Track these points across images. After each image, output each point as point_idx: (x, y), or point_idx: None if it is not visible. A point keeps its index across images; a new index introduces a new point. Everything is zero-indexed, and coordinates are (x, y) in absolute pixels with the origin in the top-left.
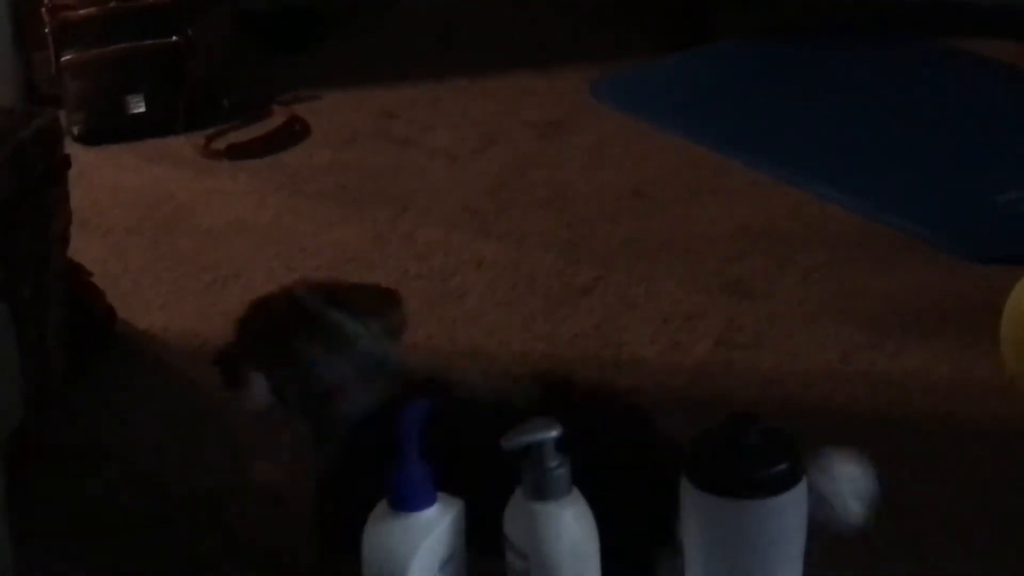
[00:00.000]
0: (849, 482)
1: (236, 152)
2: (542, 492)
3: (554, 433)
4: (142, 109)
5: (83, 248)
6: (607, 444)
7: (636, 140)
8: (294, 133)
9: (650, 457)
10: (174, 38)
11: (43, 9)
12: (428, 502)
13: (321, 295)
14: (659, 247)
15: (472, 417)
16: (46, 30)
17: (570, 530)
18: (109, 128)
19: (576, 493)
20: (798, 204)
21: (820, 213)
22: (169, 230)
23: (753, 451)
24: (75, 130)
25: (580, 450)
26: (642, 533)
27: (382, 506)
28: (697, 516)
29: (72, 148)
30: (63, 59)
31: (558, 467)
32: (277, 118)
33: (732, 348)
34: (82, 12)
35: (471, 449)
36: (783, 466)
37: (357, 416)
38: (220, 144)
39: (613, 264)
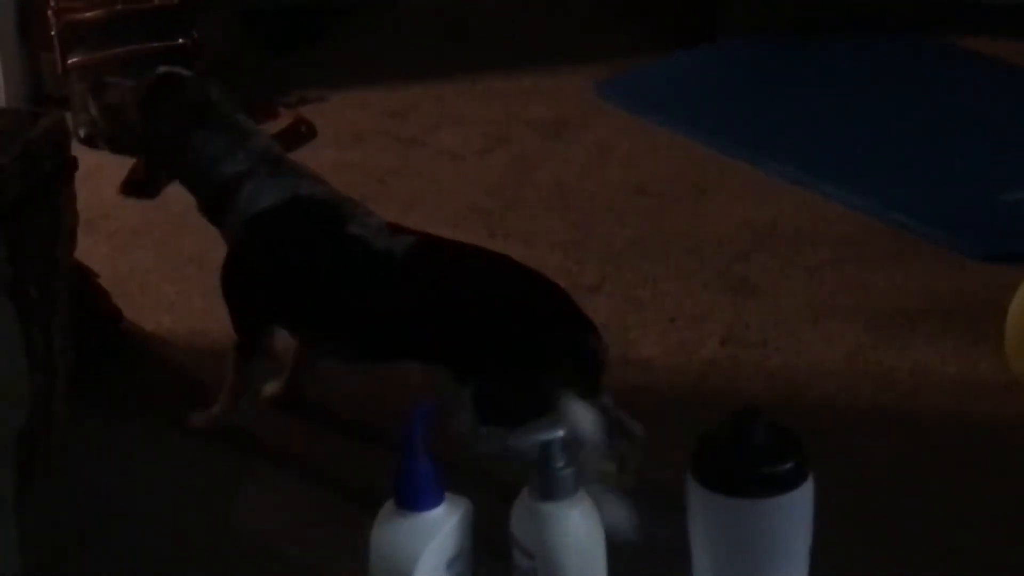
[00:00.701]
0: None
1: None
2: (549, 492)
3: (561, 433)
4: None
5: (89, 249)
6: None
7: (642, 139)
8: (300, 134)
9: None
10: (180, 40)
11: (49, 11)
12: (435, 502)
13: (212, 84)
14: (665, 246)
15: (361, 255)
16: (52, 32)
17: (577, 530)
18: None
19: (582, 493)
20: (803, 203)
21: (825, 211)
22: (175, 231)
23: (759, 449)
24: (81, 132)
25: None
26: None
27: (389, 505)
28: (703, 515)
29: (78, 150)
30: (69, 60)
31: (564, 467)
32: (283, 119)
33: (738, 347)
34: (88, 14)
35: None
36: (789, 464)
37: (254, 209)
38: None
39: (619, 263)
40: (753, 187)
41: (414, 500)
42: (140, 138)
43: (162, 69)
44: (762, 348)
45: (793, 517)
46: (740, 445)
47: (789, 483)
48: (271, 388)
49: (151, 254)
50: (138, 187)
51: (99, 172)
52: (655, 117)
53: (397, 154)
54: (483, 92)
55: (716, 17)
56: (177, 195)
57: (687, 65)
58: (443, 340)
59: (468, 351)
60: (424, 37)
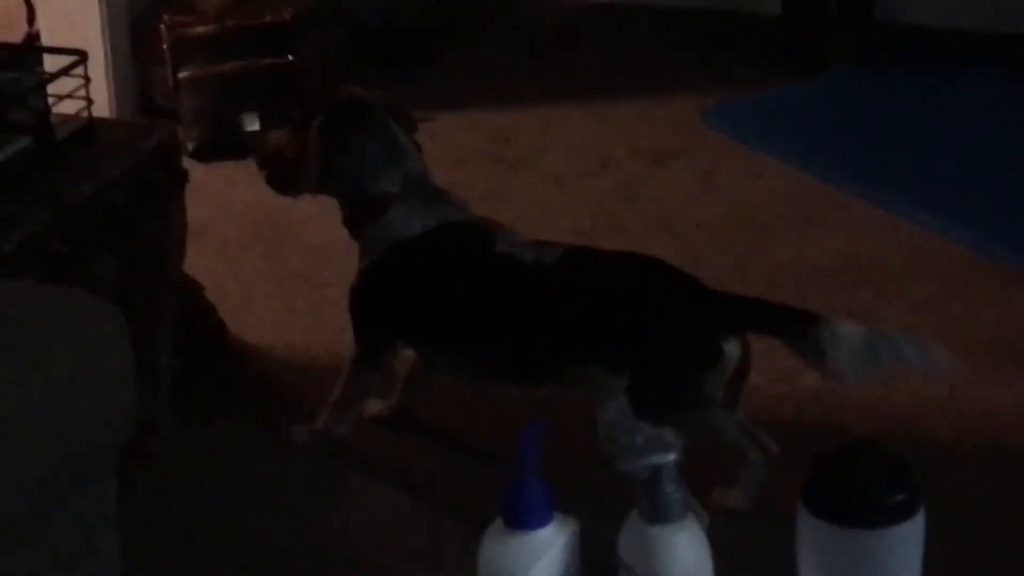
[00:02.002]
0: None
1: None
2: (659, 516)
3: (672, 457)
4: (256, 127)
5: (196, 262)
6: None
7: (748, 168)
8: None
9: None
10: (289, 57)
11: (162, 26)
12: (544, 521)
13: (384, 102)
14: (769, 275)
15: (512, 270)
16: (164, 46)
17: (685, 554)
18: (223, 144)
19: (691, 518)
20: (909, 235)
21: (931, 245)
22: (280, 246)
23: (872, 479)
24: (190, 145)
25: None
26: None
27: (498, 523)
28: (814, 544)
29: (186, 163)
30: (180, 75)
31: (675, 491)
32: None
33: None
34: (200, 29)
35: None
36: (902, 495)
37: (399, 235)
38: None
39: (722, 290)
40: (858, 218)
41: (524, 519)
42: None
43: (346, 89)
44: None
45: (904, 549)
46: (854, 475)
47: (901, 514)
48: (376, 407)
49: (256, 268)
50: (282, 181)
51: (206, 185)
52: (762, 146)
53: (501, 176)
54: (589, 117)
55: (826, 50)
56: (283, 211)
57: (796, 96)
58: (600, 337)
59: (624, 345)
60: (534, 59)
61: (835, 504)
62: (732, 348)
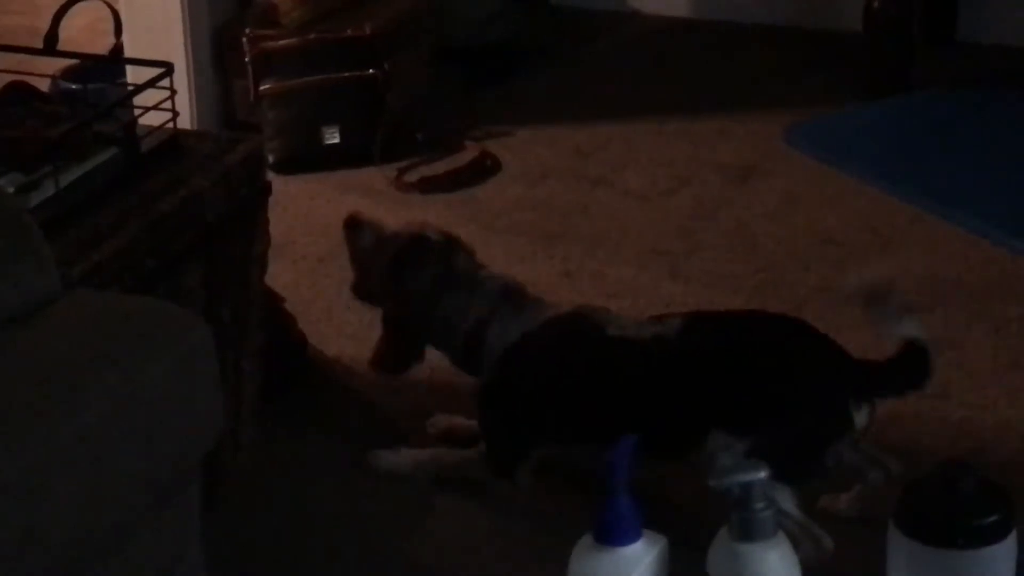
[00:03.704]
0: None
1: (428, 185)
2: (748, 533)
3: (762, 475)
4: (337, 140)
5: (276, 274)
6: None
7: (829, 187)
8: (485, 168)
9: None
10: (371, 71)
11: (244, 39)
12: (633, 537)
13: (443, 239)
14: (849, 296)
15: (633, 350)
16: (246, 59)
17: (775, 572)
18: (304, 157)
19: (781, 536)
20: (991, 257)
21: (1013, 266)
22: None
23: (966, 500)
24: (271, 158)
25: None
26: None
27: (587, 539)
28: (905, 564)
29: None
30: (262, 88)
31: (764, 509)
32: (468, 153)
33: (921, 398)
34: (282, 42)
35: (638, 381)
36: (995, 516)
37: (507, 341)
38: (412, 177)
39: (803, 310)
40: (940, 239)
41: (613, 535)
42: (388, 301)
43: (411, 232)
44: (945, 400)
45: (996, 569)
46: (947, 495)
47: (994, 535)
48: (442, 423)
49: (336, 282)
50: (388, 362)
51: (286, 198)
52: (843, 165)
53: (582, 193)
54: (671, 133)
55: (909, 69)
56: None
57: (878, 115)
58: (722, 402)
59: (747, 410)
60: (615, 76)
61: (928, 524)
62: (862, 416)
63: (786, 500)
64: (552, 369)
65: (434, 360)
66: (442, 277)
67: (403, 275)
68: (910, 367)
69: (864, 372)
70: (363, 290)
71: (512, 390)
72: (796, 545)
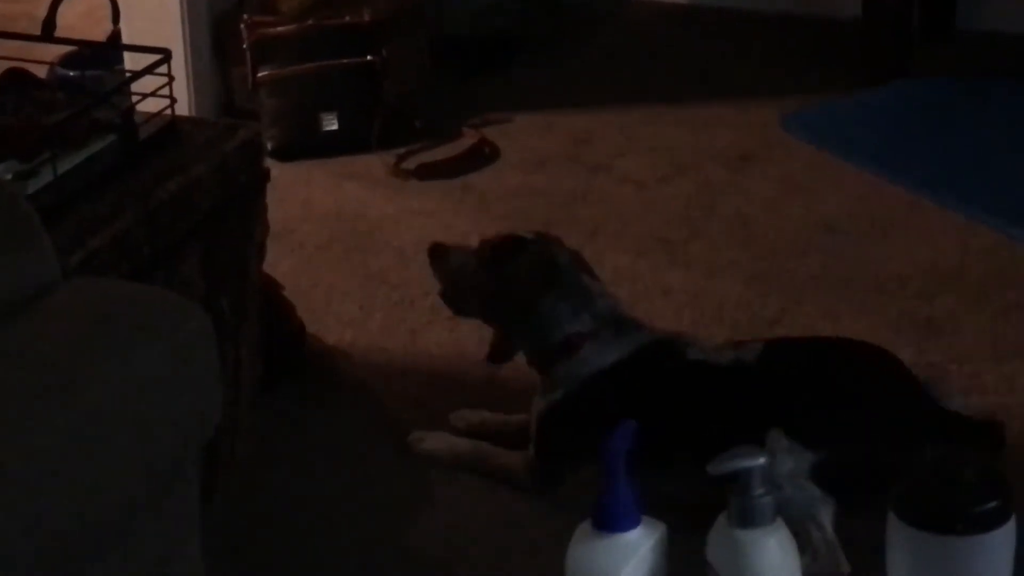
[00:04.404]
0: None
1: (426, 172)
2: (747, 519)
3: (761, 460)
4: (335, 127)
5: (275, 262)
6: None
7: (827, 174)
8: (484, 155)
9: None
10: (369, 57)
11: (242, 25)
12: (633, 523)
13: (557, 247)
14: (848, 283)
15: (713, 375)
16: (244, 46)
17: (774, 558)
18: (302, 144)
19: (780, 522)
20: (990, 244)
21: (1013, 253)
22: (359, 247)
23: (963, 487)
24: (269, 145)
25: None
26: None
27: (586, 525)
28: (904, 550)
29: (266, 163)
30: (259, 75)
31: (763, 495)
32: (466, 140)
33: None
34: (280, 29)
35: (716, 405)
36: (994, 503)
37: (593, 368)
38: (410, 164)
39: (801, 298)
40: (939, 226)
41: (613, 521)
42: (486, 302)
43: (504, 232)
44: None
45: (995, 556)
46: (946, 482)
47: (993, 521)
48: (469, 417)
49: (335, 269)
50: (500, 355)
51: (284, 186)
52: (842, 152)
53: (581, 179)
54: (669, 121)
55: (909, 57)
56: (361, 212)
57: (876, 102)
58: (794, 415)
59: (820, 428)
60: (613, 64)
61: (927, 511)
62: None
63: (827, 515)
64: (632, 397)
65: (433, 348)
66: (543, 274)
67: (501, 272)
68: (986, 430)
69: (942, 418)
70: (455, 302)
71: (588, 414)
72: (815, 558)
